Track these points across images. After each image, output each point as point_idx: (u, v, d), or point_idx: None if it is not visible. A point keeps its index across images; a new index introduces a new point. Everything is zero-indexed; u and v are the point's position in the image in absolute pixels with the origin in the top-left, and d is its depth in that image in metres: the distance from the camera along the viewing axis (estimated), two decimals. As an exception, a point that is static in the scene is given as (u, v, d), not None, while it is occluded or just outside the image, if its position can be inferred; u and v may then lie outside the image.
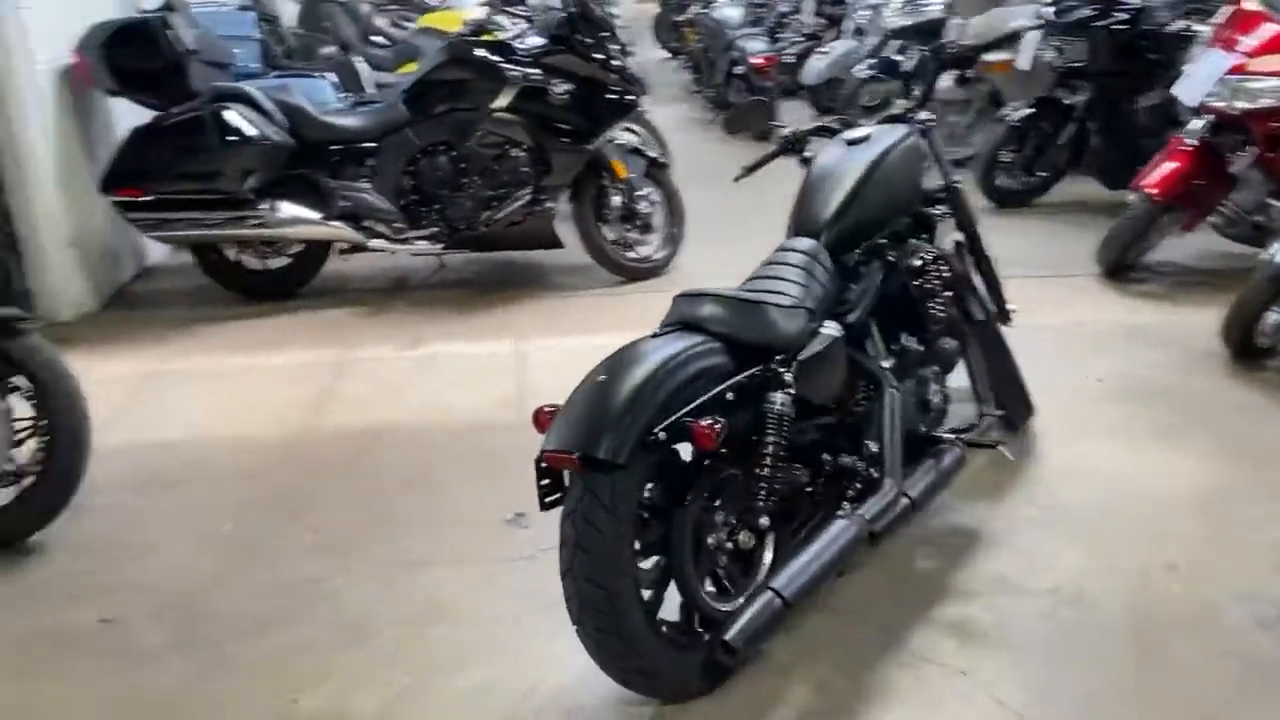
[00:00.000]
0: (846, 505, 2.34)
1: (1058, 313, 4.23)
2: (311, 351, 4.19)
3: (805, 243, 2.52)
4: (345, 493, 3.08)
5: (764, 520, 2.15)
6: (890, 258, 2.64)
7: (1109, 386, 3.59)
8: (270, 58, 5.71)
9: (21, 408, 2.82)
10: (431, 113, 4.69)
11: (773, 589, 2.03)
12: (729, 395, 2.09)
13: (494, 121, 4.62)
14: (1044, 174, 5.85)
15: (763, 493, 2.14)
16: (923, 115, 2.93)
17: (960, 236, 3.12)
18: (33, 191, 4.40)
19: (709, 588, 2.15)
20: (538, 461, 1.98)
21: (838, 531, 2.21)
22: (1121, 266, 4.62)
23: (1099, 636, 2.32)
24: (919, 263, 2.64)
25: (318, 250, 4.85)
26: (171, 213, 4.46)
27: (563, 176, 4.73)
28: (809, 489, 2.37)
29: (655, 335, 2.17)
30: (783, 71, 8.47)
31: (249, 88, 4.54)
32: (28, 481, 2.81)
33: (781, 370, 2.18)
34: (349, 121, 4.72)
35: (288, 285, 4.89)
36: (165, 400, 3.82)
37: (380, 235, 4.73)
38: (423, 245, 4.79)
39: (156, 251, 5.38)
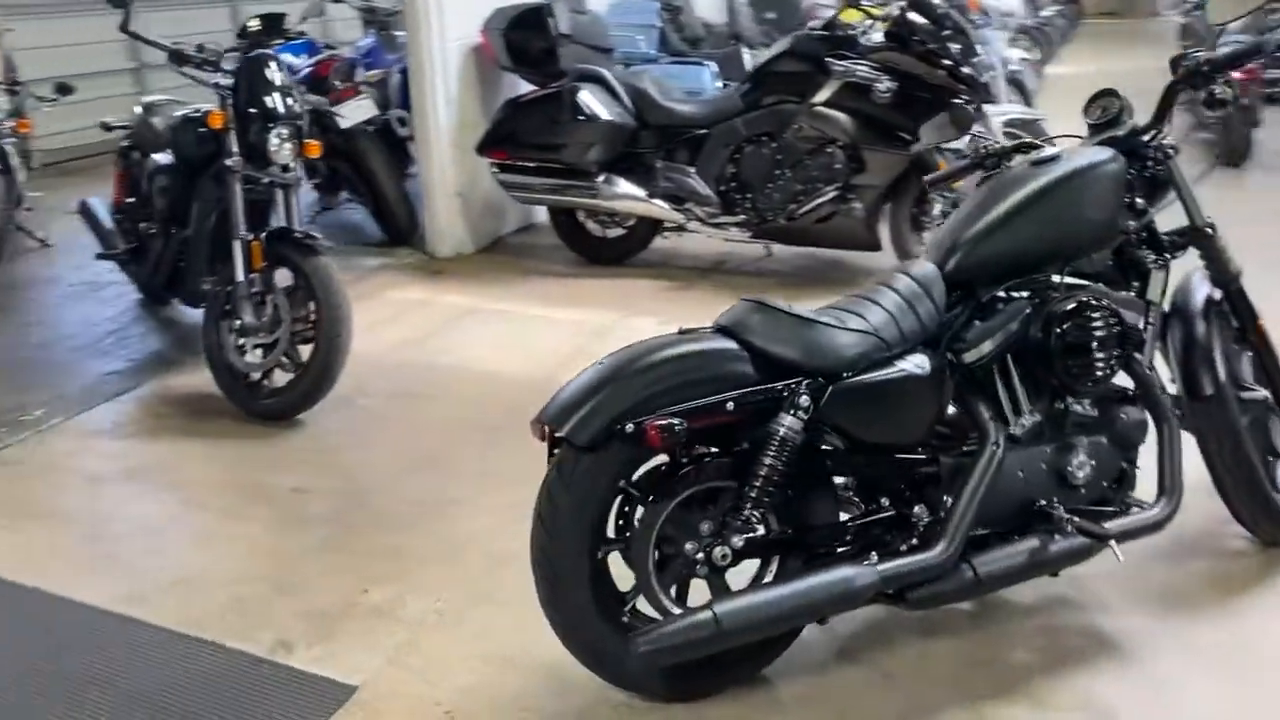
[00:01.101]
0: (874, 554, 2.12)
1: None
2: (594, 313, 4.59)
3: (922, 268, 2.29)
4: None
5: (737, 540, 2.05)
6: (1035, 298, 2.28)
7: None
8: (666, 44, 6.18)
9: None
10: (761, 104, 4.80)
11: (713, 611, 1.94)
12: (729, 405, 2.03)
13: (812, 115, 4.60)
14: None
15: (744, 512, 2.04)
16: (1161, 139, 2.44)
17: (1214, 292, 2.56)
18: (433, 148, 5.33)
19: (672, 592, 2.11)
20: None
21: (831, 575, 2.03)
22: None
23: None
24: (1067, 308, 2.24)
25: (649, 225, 5.23)
26: (528, 176, 5.12)
27: (877, 177, 4.58)
28: (846, 525, 2.18)
29: (684, 331, 2.15)
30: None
31: (605, 72, 5.01)
32: (297, 374, 3.54)
33: (801, 393, 2.04)
34: (688, 108, 5.00)
35: (620, 253, 5.35)
36: (464, 331, 4.47)
37: (696, 218, 4.97)
38: (734, 231, 4.95)
39: (541, 211, 6.16)
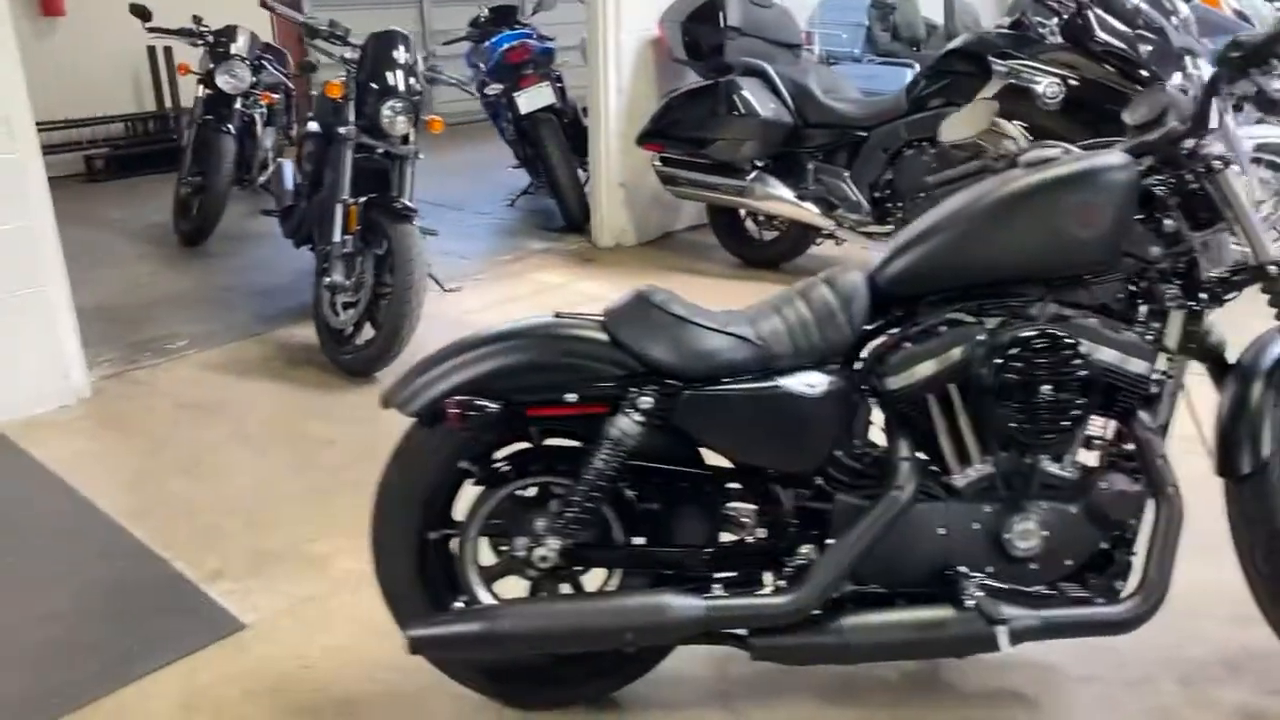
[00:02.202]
0: (718, 587, 1.87)
1: None
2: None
3: (846, 278, 1.97)
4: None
5: (553, 543, 1.87)
6: (987, 324, 1.89)
7: None
8: (874, 43, 5.81)
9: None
10: (927, 106, 4.39)
11: (488, 614, 1.80)
12: (571, 397, 1.86)
13: (968, 121, 4.12)
14: None
15: (567, 515, 1.86)
16: (1202, 147, 1.93)
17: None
18: (601, 138, 5.38)
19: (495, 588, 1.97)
20: None
21: (645, 599, 1.81)
22: None
23: None
24: (1011, 337, 1.84)
25: (802, 229, 4.95)
26: (683, 170, 5.02)
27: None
28: (702, 550, 1.94)
29: (559, 315, 2.00)
30: None
31: (767, 66, 4.80)
32: (375, 334, 3.72)
33: (643, 394, 1.83)
34: (850, 108, 4.67)
35: (773, 257, 5.12)
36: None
37: (846, 224, 4.64)
38: (883, 242, 4.55)
39: (722, 209, 6.04)
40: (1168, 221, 1.94)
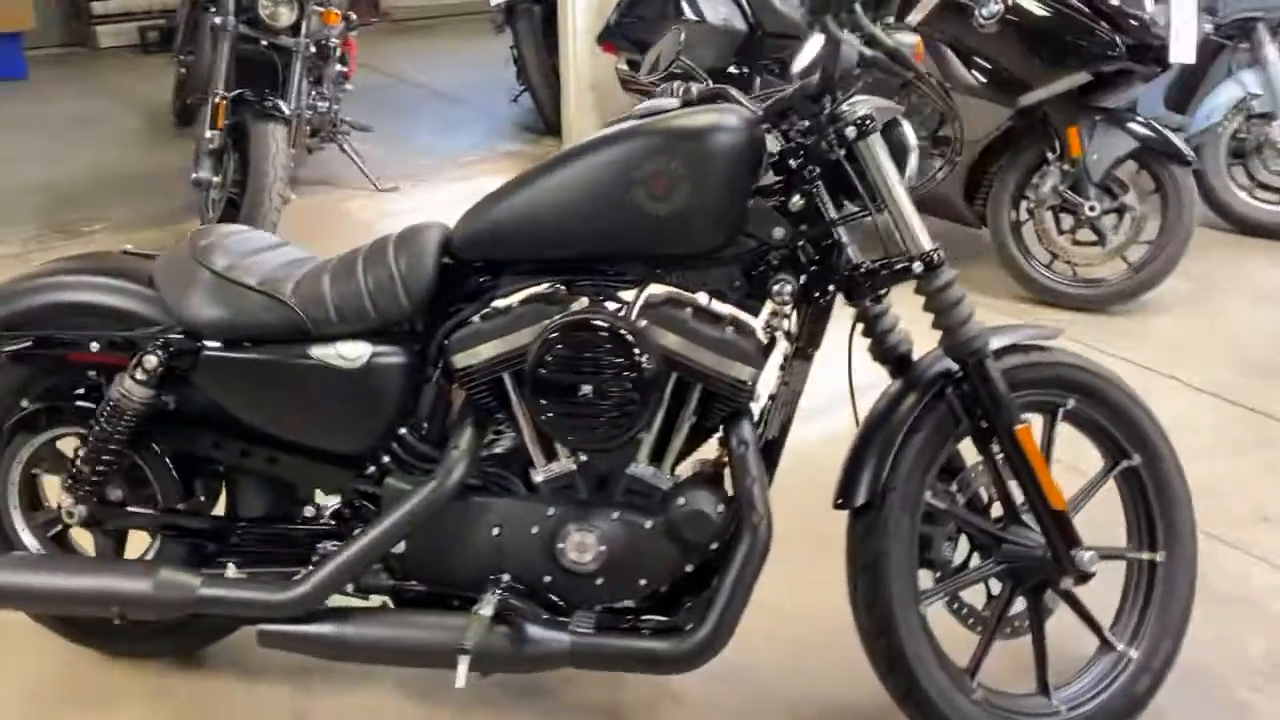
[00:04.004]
0: (233, 564, 1.73)
1: None
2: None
3: (423, 236, 1.70)
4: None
5: (68, 500, 1.75)
6: (549, 302, 1.62)
7: None
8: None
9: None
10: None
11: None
12: (94, 345, 1.71)
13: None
14: None
15: (73, 471, 1.75)
16: (838, 109, 1.56)
17: (953, 366, 1.65)
18: (569, 37, 5.04)
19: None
20: None
21: (126, 571, 1.72)
22: None
23: None
24: (560, 324, 1.56)
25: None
26: (637, 73, 4.65)
27: (972, 131, 3.49)
28: (229, 524, 1.81)
29: (127, 253, 1.84)
30: None
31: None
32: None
33: (149, 351, 1.66)
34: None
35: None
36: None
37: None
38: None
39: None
40: (795, 199, 1.59)
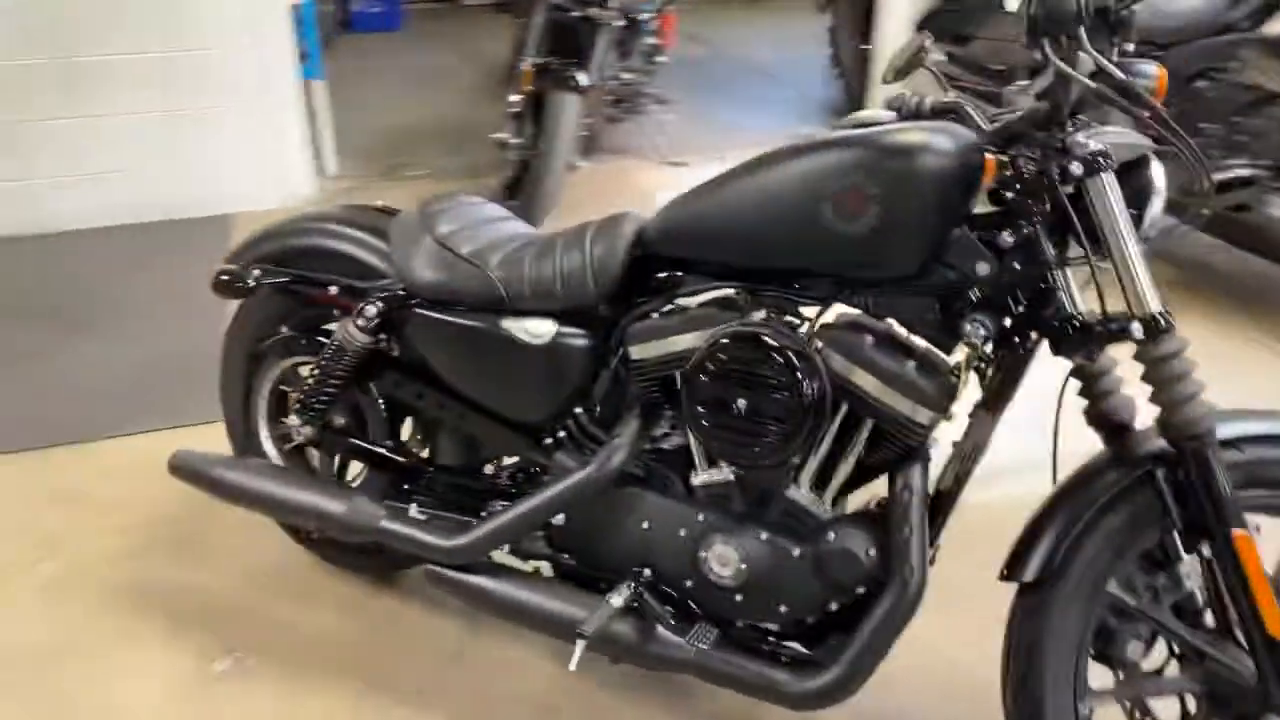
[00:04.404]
0: (415, 506, 1.87)
1: None
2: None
3: (619, 228, 1.71)
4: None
5: (296, 423, 1.97)
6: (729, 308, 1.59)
7: None
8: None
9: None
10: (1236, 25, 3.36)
11: (236, 465, 1.99)
12: (333, 290, 1.90)
13: (1264, 51, 3.09)
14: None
15: (299, 400, 1.95)
16: (1069, 137, 1.36)
17: (1165, 445, 1.44)
18: (884, 28, 4.84)
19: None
20: None
21: (325, 492, 1.91)
22: None
23: None
24: (729, 334, 1.51)
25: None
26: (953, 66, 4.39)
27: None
28: (424, 466, 1.98)
29: (381, 209, 2.00)
30: None
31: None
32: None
33: (372, 300, 1.81)
34: (1155, 20, 3.70)
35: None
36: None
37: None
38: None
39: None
40: (1005, 235, 1.43)
